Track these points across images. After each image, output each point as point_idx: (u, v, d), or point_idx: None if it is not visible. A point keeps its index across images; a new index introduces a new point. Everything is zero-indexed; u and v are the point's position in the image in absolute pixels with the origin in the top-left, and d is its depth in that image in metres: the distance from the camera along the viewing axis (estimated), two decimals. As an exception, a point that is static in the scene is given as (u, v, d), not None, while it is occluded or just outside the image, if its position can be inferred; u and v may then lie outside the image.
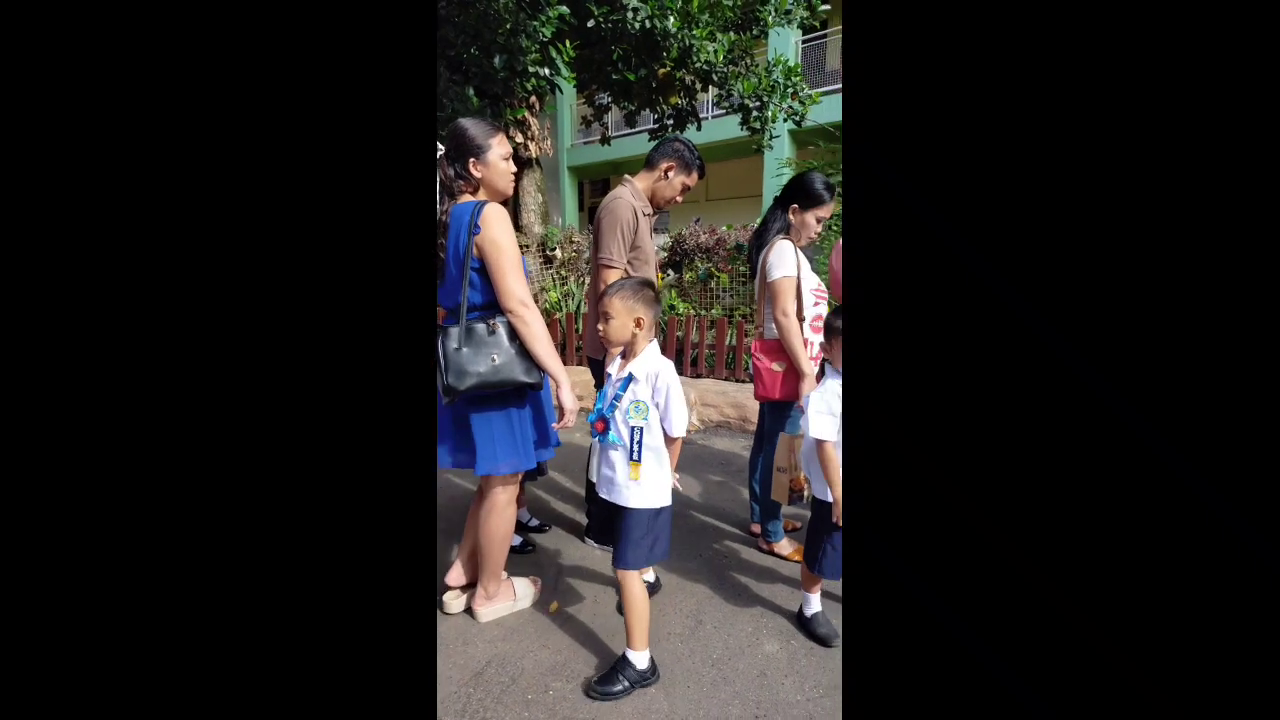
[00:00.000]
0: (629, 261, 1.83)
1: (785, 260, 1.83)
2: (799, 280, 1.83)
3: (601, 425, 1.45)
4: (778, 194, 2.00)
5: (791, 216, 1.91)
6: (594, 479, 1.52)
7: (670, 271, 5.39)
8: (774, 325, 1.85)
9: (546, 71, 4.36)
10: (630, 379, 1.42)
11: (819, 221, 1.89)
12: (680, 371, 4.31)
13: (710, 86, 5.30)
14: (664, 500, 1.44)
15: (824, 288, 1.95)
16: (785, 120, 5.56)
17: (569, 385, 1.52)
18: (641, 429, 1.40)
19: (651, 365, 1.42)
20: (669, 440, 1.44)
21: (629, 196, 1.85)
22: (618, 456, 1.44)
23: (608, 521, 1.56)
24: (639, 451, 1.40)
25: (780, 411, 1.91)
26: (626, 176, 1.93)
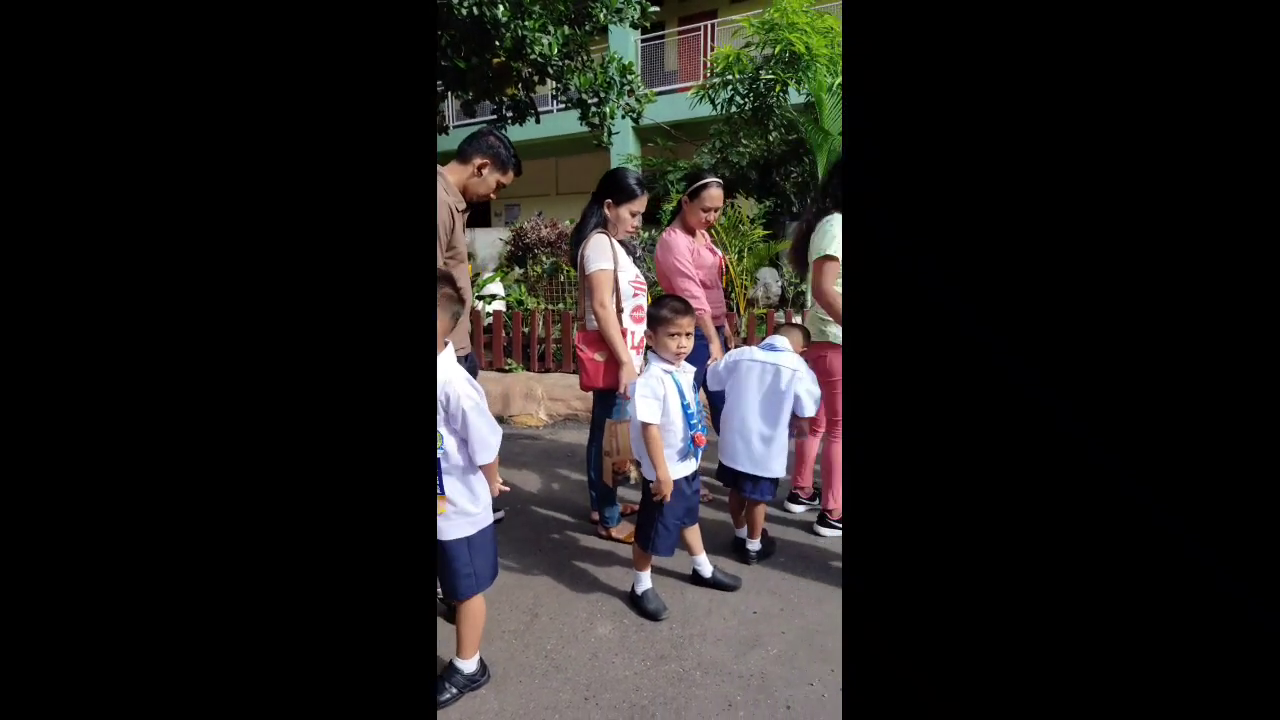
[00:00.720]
0: (444, 262, 1.76)
1: (601, 254, 1.89)
2: (615, 273, 1.89)
3: None
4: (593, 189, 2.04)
5: (607, 211, 1.97)
6: None
7: (516, 267, 5.30)
8: (594, 317, 1.90)
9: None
10: None
11: (633, 215, 1.97)
12: (528, 366, 4.26)
13: (548, 80, 5.26)
14: (481, 524, 1.29)
15: (642, 279, 2.04)
16: (624, 117, 5.70)
17: None
18: (438, 460, 1.21)
19: (440, 386, 1.18)
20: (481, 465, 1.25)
21: (442, 193, 1.76)
22: None
23: None
24: (439, 484, 1.21)
25: (606, 399, 1.97)
26: (438, 168, 1.83)
